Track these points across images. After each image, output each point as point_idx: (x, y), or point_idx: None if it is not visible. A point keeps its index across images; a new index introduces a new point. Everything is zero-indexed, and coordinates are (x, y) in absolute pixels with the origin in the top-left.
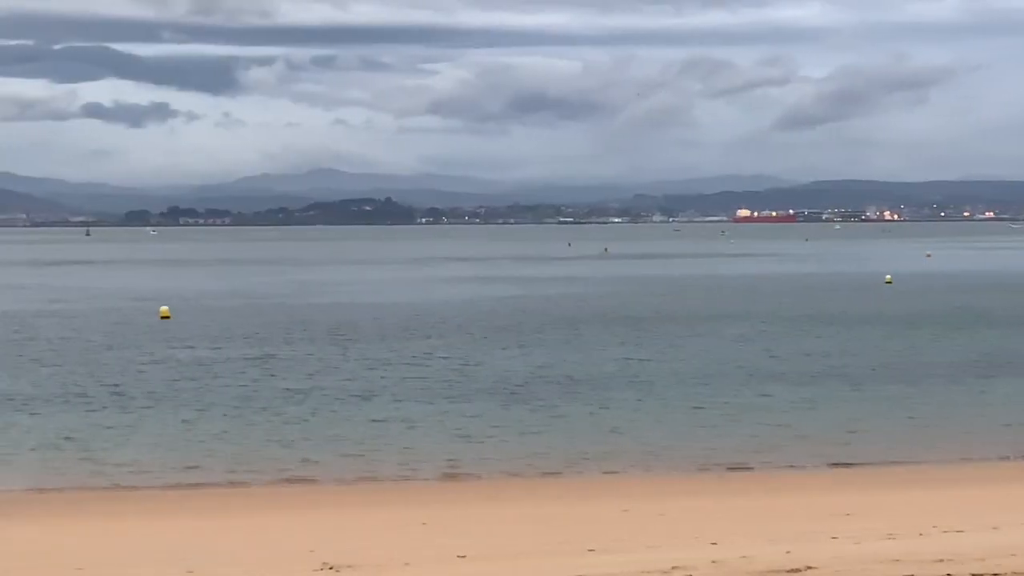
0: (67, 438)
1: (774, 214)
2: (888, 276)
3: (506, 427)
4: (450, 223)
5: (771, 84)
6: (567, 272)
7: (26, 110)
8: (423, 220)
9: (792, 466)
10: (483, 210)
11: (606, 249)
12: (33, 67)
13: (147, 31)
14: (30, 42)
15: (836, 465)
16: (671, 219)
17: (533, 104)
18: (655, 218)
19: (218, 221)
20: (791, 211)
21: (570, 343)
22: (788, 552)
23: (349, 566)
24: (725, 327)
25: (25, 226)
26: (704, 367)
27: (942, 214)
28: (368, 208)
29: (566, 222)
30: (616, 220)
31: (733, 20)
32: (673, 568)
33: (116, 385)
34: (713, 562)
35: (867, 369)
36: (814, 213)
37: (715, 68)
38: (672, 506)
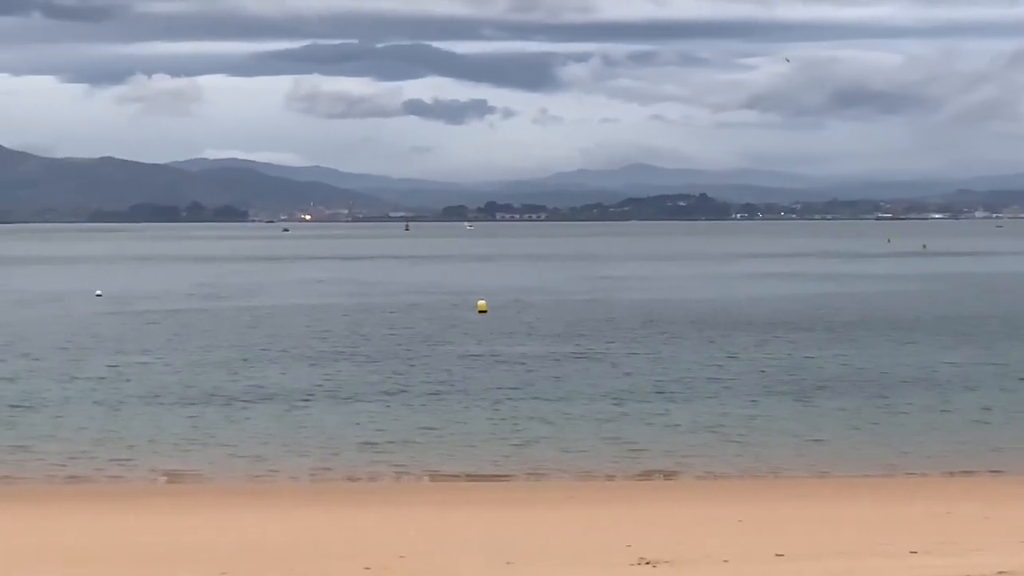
0: (380, 432)
1: None
2: None
3: (816, 427)
4: (765, 219)
5: None
6: (881, 269)
7: (352, 107)
8: (738, 216)
9: None
10: (799, 206)
11: (924, 246)
12: (357, 65)
13: (467, 29)
14: (355, 41)
15: None
16: (995, 215)
17: (852, 98)
18: (977, 214)
19: (533, 216)
20: None
21: (880, 342)
22: None
23: (666, 561)
24: None
25: (347, 221)
26: None
27: None
28: (682, 204)
29: (884, 218)
30: (936, 216)
31: None
32: (999, 573)
33: (438, 381)
34: None
35: None
36: None
37: None
38: (996, 510)
